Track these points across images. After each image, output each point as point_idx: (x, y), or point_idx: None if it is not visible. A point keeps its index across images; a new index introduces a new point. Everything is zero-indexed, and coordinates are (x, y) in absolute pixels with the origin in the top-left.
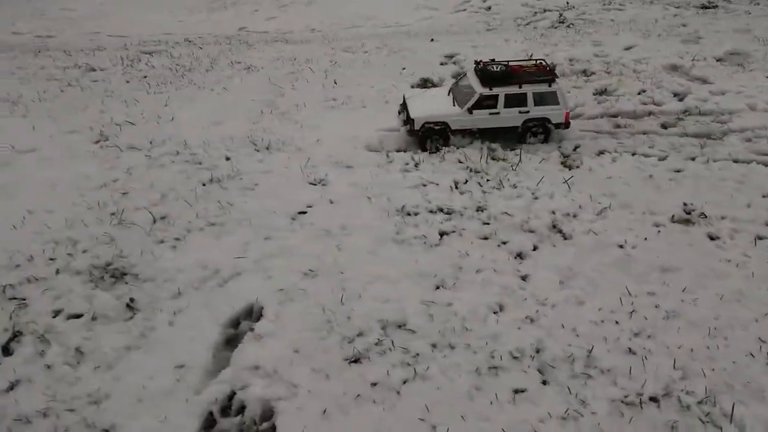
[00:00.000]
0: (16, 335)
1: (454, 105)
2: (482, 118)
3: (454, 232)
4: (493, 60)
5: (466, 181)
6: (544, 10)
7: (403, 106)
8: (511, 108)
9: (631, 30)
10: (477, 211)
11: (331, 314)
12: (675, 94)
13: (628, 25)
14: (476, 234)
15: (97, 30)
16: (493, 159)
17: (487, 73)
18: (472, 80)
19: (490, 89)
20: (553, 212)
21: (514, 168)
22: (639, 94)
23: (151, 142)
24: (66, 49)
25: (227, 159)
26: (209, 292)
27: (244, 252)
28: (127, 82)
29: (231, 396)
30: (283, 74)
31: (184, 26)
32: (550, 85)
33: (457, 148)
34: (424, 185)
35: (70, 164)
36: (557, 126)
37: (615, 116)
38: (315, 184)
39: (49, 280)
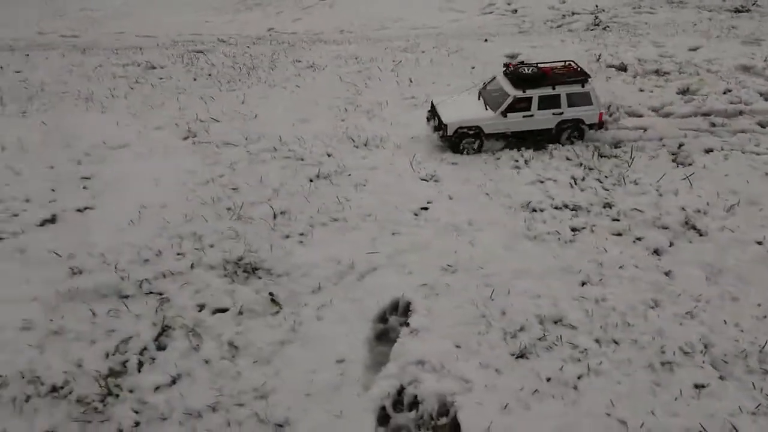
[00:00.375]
0: (165, 329)
1: (486, 109)
2: (516, 121)
3: (584, 228)
4: (522, 62)
5: (584, 178)
6: (572, 13)
7: (433, 112)
8: (544, 110)
9: (684, 32)
10: (604, 207)
11: (484, 309)
12: (760, 94)
13: (668, 28)
14: (609, 230)
15: (122, 30)
16: (601, 156)
17: (519, 76)
18: (504, 83)
19: (524, 91)
20: (683, 209)
21: (629, 165)
22: (725, 93)
23: (246, 138)
24: (114, 48)
25: (329, 155)
26: (349, 287)
27: (373, 247)
28: (195, 79)
29: (400, 391)
30: (352, 72)
31: (212, 27)
32: (583, 86)
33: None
34: (542, 182)
35: (167, 160)
36: (591, 127)
37: (707, 115)
38: (427, 180)
39: (185, 275)
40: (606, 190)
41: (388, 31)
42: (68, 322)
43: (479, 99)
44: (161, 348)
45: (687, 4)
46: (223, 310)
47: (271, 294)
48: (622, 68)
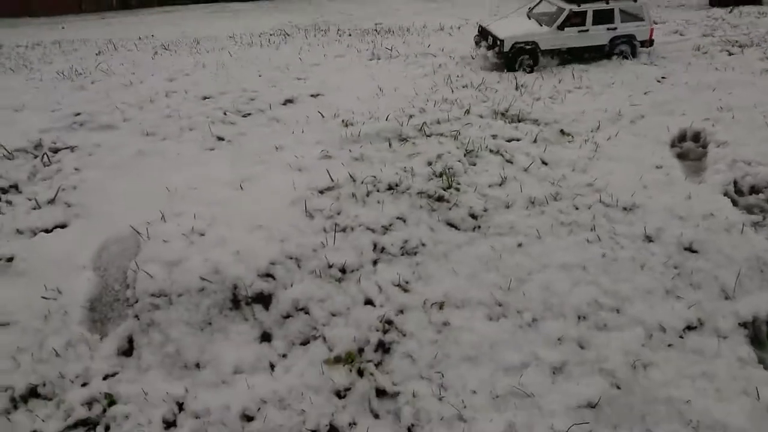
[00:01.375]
0: (469, 152)
1: (541, 26)
2: (572, 36)
3: None
4: None
5: None
6: None
7: (483, 34)
8: (599, 25)
9: None
10: None
11: None
12: None
13: None
14: None
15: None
16: None
17: None
18: (557, 1)
19: (579, 5)
20: None
21: None
22: None
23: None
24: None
25: None
26: (626, 127)
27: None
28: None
29: (735, 182)
30: None
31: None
32: (635, 0)
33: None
34: None
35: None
36: (642, 43)
37: None
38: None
39: (462, 120)
40: None
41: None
42: (367, 152)
43: (530, 19)
44: (472, 164)
45: None
46: (517, 139)
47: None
48: None
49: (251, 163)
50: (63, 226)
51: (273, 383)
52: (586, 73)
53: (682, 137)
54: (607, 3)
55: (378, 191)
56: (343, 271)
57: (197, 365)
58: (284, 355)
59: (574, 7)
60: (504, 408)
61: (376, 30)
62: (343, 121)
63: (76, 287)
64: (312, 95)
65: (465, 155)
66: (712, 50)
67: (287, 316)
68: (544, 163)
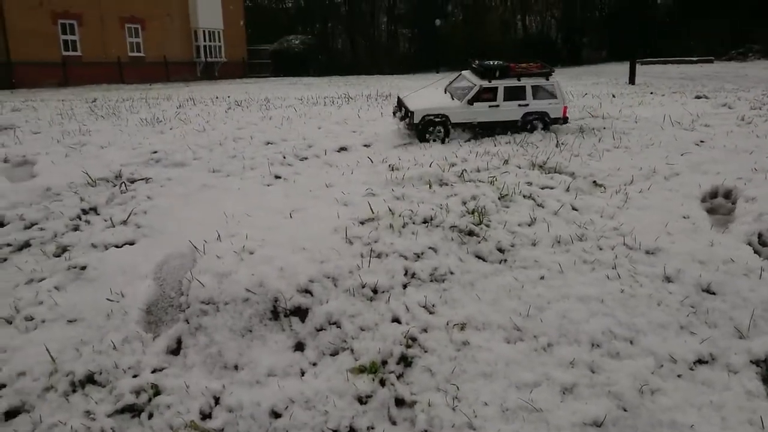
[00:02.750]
0: (503, 196)
1: (452, 99)
2: (482, 111)
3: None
4: (483, 59)
5: None
6: None
7: (399, 105)
8: (510, 101)
9: None
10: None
11: None
12: None
13: None
14: None
15: None
16: None
17: (485, 68)
18: (470, 77)
19: (490, 82)
20: None
21: None
22: None
23: None
24: None
25: None
26: (659, 182)
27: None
28: None
29: (760, 234)
30: None
31: None
32: (547, 79)
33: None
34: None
35: None
36: (555, 121)
37: None
38: None
39: (497, 169)
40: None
41: None
42: (408, 192)
43: (445, 93)
44: (505, 206)
45: None
46: (551, 187)
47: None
48: None
49: (303, 197)
50: (131, 243)
51: (302, 386)
52: (626, 135)
53: (713, 194)
54: (519, 80)
55: (414, 223)
56: (375, 291)
57: (235, 366)
58: (314, 363)
59: (485, 83)
60: (513, 420)
61: None
62: (389, 165)
63: (137, 292)
64: (365, 145)
65: (499, 198)
66: (757, 120)
67: (320, 329)
68: (574, 209)
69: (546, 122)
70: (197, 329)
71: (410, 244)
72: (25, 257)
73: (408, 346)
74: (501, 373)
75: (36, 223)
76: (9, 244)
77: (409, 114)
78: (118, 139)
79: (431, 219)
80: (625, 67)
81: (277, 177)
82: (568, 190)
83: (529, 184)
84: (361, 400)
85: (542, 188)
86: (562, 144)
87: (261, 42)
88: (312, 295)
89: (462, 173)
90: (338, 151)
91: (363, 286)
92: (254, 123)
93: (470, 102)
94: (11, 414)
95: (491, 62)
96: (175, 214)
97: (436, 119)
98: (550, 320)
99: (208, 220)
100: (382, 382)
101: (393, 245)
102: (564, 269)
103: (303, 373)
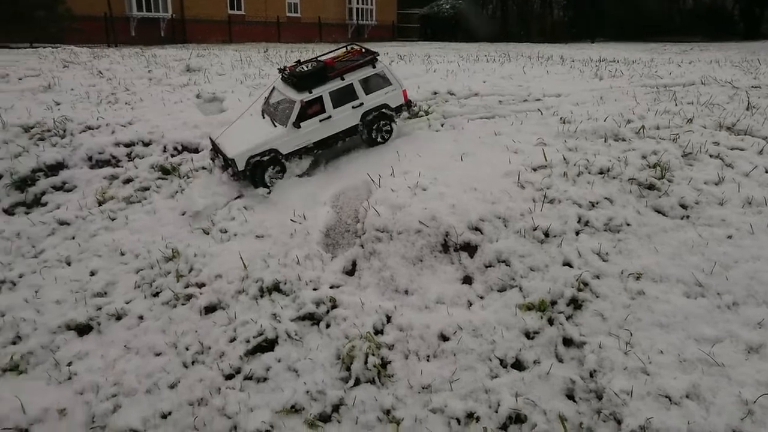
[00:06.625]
0: (686, 154)
1: (275, 126)
2: (314, 129)
3: None
4: (298, 61)
5: None
6: None
7: (215, 150)
8: (342, 106)
9: None
10: None
11: None
12: None
13: None
14: None
15: None
16: None
17: (299, 76)
18: (286, 90)
19: (310, 92)
20: None
21: None
22: None
23: None
24: None
25: None
26: None
27: None
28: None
29: None
30: None
31: None
32: (374, 66)
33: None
34: None
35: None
36: (398, 110)
37: None
38: None
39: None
40: None
41: None
42: (581, 144)
43: (264, 117)
44: (689, 164)
45: None
46: (741, 149)
47: None
48: None
49: (471, 143)
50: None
51: (469, 315)
52: None
53: None
54: (343, 78)
55: (589, 173)
56: (546, 234)
57: (406, 291)
58: (481, 297)
59: (306, 96)
60: (690, 371)
61: (600, 60)
62: (561, 118)
63: (317, 217)
64: (536, 99)
65: (682, 156)
66: None
67: (489, 266)
68: None
69: (388, 116)
70: (371, 254)
71: (585, 193)
72: None
73: (579, 290)
74: (679, 325)
75: None
76: (204, 168)
77: (230, 162)
78: None
79: (608, 170)
80: None
81: (442, 123)
82: (761, 153)
83: (716, 144)
84: (528, 335)
85: (731, 149)
86: (754, 107)
87: (412, 6)
88: (482, 233)
89: (640, 129)
90: (503, 103)
91: (534, 229)
92: (419, 74)
93: (296, 125)
94: (209, 309)
95: (304, 67)
96: None
97: (265, 158)
98: (736, 279)
99: (382, 158)
100: (551, 321)
101: (566, 192)
102: (755, 231)
103: (470, 305)
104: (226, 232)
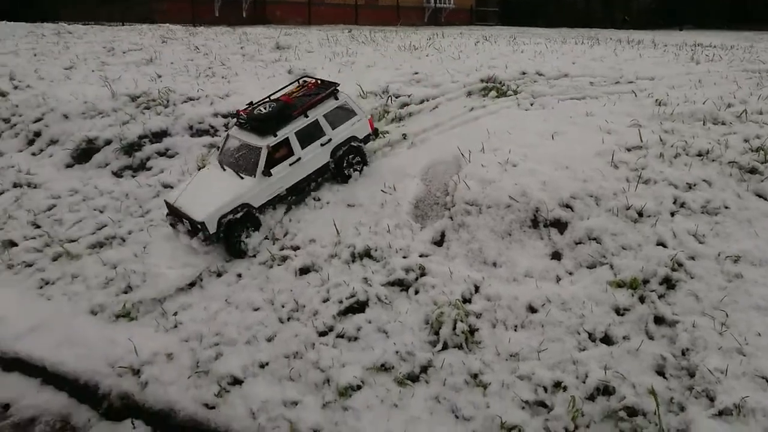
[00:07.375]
0: None
1: (242, 177)
2: (286, 174)
3: None
4: (251, 103)
5: None
6: None
7: (175, 215)
8: (310, 145)
9: None
10: None
11: None
12: None
13: None
14: None
15: None
16: None
17: (259, 120)
18: (245, 137)
19: (275, 135)
20: None
21: None
22: None
23: None
24: None
25: None
26: None
27: None
28: None
29: None
30: None
31: None
32: (336, 98)
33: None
34: None
35: None
36: (365, 140)
37: None
38: None
39: None
40: None
41: None
42: (678, 127)
43: (225, 170)
44: None
45: None
46: None
47: None
48: None
49: (562, 122)
50: None
51: (558, 289)
52: None
53: None
54: (307, 116)
55: (687, 155)
56: (640, 214)
57: (494, 264)
58: (571, 273)
59: (271, 141)
60: None
61: (696, 44)
62: (656, 100)
63: (407, 188)
64: (628, 81)
65: None
66: None
67: (579, 242)
68: None
69: (357, 148)
70: (460, 226)
71: (682, 175)
72: None
73: (673, 270)
74: None
75: None
76: None
77: (199, 226)
78: (380, 61)
79: (707, 152)
80: None
81: (531, 103)
82: None
83: None
84: (618, 312)
85: None
86: None
87: None
88: (572, 210)
89: (742, 113)
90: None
91: (627, 208)
92: (505, 55)
93: (266, 173)
94: (304, 270)
95: (261, 109)
96: None
97: (238, 215)
98: None
99: (473, 135)
100: (642, 299)
101: (662, 173)
102: None
103: (559, 279)
104: (318, 200)
